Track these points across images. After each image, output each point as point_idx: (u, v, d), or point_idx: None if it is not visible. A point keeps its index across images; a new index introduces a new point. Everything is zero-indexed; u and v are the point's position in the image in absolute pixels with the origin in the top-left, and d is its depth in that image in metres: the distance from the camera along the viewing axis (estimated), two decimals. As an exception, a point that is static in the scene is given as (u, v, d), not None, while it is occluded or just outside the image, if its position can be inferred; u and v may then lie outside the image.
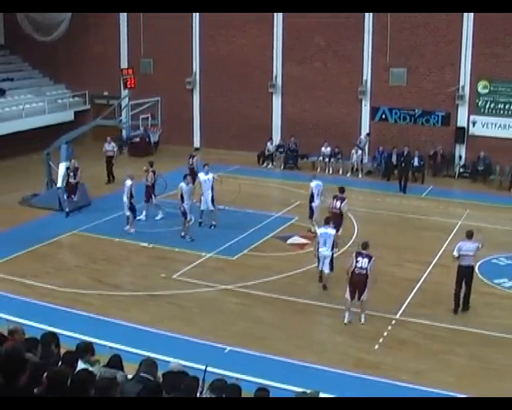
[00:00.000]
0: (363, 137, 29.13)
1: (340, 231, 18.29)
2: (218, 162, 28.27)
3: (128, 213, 20.64)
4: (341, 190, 19.14)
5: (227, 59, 31.65)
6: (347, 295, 14.78)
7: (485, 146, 27.47)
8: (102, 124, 26.71)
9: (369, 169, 28.61)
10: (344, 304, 14.93)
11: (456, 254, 15.24)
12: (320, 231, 16.61)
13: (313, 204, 20.23)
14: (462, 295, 15.47)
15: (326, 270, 16.48)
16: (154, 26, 32.19)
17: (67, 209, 22.45)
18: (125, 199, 20.58)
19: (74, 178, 22.71)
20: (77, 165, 22.98)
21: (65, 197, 22.45)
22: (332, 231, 16.46)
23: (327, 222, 16.68)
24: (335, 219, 17.73)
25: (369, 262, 14.60)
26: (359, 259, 14.64)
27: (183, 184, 19.91)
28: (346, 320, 14.85)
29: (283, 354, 13.60)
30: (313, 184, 20.28)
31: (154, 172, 22.09)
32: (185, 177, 20.34)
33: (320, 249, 16.38)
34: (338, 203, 18.72)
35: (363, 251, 14.78)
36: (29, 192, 24.20)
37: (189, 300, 16.27)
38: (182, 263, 18.45)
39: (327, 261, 16.47)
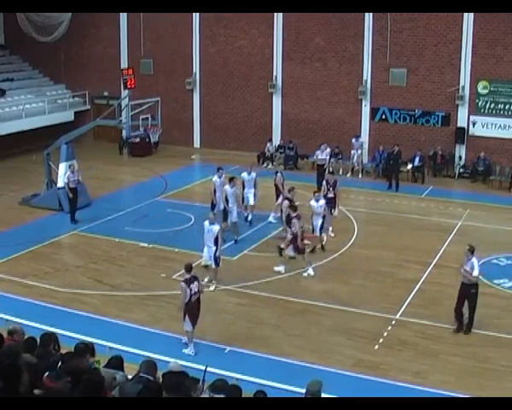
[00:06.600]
0: (355, 141, 28.57)
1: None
2: (218, 163, 28.20)
3: None
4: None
5: (227, 59, 31.63)
6: (189, 327, 13.58)
7: (485, 146, 27.45)
8: (102, 124, 26.68)
9: (369, 170, 28.53)
10: (188, 335, 13.71)
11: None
12: (312, 203, 19.18)
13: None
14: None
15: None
16: (154, 26, 32.18)
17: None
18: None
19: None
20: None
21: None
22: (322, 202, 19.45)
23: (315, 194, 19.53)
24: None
25: (199, 283, 13.84)
26: (192, 286, 13.53)
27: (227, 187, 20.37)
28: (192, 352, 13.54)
29: (283, 354, 13.61)
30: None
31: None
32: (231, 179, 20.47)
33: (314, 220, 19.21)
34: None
35: (191, 274, 13.74)
36: (29, 192, 24.20)
37: (188, 300, 16.25)
38: (182, 263, 18.21)
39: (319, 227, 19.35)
